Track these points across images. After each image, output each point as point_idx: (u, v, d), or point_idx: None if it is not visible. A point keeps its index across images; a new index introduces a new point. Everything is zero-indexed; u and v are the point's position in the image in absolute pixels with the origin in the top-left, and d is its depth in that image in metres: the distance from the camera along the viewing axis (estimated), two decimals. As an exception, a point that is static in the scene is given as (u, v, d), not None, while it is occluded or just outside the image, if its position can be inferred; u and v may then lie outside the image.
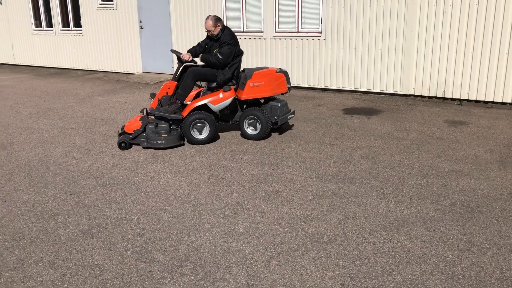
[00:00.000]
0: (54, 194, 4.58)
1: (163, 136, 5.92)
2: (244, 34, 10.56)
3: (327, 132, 6.65)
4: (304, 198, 4.38)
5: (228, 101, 6.12)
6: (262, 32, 10.29)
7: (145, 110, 6.47)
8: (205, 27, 6.17)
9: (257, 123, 6.24)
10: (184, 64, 6.29)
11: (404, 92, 8.78)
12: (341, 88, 9.52)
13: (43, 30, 14.81)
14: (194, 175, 5.03)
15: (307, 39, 9.69)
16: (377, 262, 3.26)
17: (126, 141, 5.96)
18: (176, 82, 6.22)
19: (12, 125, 7.45)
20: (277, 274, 3.15)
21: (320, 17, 9.43)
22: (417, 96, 8.72)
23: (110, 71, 13.29)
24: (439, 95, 8.44)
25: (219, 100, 6.09)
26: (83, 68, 13.87)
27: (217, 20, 6.21)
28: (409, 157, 5.47)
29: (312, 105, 8.52)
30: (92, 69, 13.69)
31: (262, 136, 6.26)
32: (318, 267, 3.22)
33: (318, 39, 9.54)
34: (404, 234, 3.65)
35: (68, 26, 14.21)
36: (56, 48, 14.54)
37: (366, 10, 8.81)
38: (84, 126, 7.23)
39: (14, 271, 3.24)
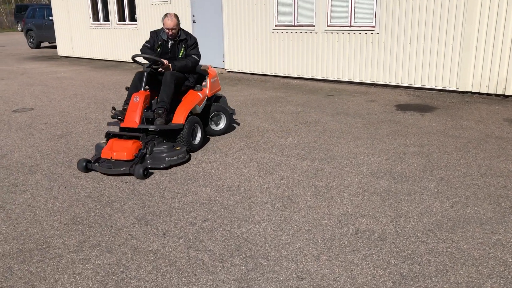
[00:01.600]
0: (110, 182, 4.77)
1: (176, 150, 5.11)
2: (296, 28, 10.51)
3: (379, 128, 6.52)
4: (355, 194, 4.32)
5: (205, 100, 5.99)
6: (314, 26, 10.20)
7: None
8: (167, 26, 5.54)
9: (221, 118, 6.37)
10: (147, 70, 5.55)
11: (460, 89, 8.45)
12: (394, 83, 9.30)
13: (100, 24, 15.37)
14: (244, 167, 5.08)
15: (360, 33, 9.52)
16: (430, 262, 3.17)
17: (147, 168, 4.88)
18: (147, 92, 5.45)
19: (71, 115, 7.80)
20: (327, 269, 3.13)
21: (374, 10, 9.23)
22: (474, 93, 8.37)
23: (163, 64, 13.60)
24: (499, 92, 8.06)
25: (201, 100, 5.88)
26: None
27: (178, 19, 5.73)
28: (466, 156, 5.27)
29: (364, 101, 8.37)
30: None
31: (227, 129, 6.45)
32: (369, 264, 3.18)
33: (372, 33, 9.35)
34: (459, 234, 3.53)
35: (124, 20, 14.67)
36: (112, 42, 15.06)
37: (423, 3, 8.53)
38: (138, 117, 7.46)
39: (74, 253, 3.40)
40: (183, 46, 5.73)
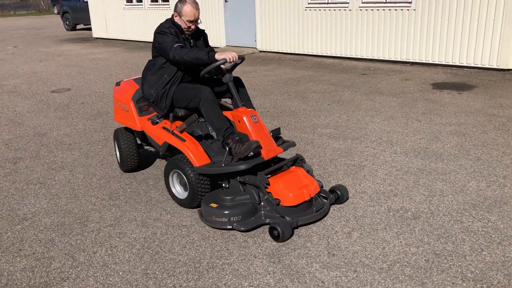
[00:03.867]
0: (146, 159, 4.87)
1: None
2: (329, 5, 10.32)
3: (414, 107, 6.38)
4: (388, 173, 4.27)
5: None
6: (348, 3, 9.98)
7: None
8: (189, 17, 3.75)
9: None
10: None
11: (501, 67, 8.14)
12: (431, 61, 9.04)
13: (134, 5, 15.52)
14: (276, 146, 5.09)
15: (396, 9, 9.26)
16: (465, 241, 3.12)
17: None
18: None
19: (106, 95, 7.97)
20: (358, 246, 3.13)
21: (411, -14, 8.95)
22: (516, 70, 8.05)
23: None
24: (543, 69, 7.73)
25: None
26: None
27: None
28: (504, 135, 5.11)
29: (399, 79, 8.19)
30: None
31: None
32: (401, 242, 3.16)
33: (408, 9, 9.08)
34: (495, 214, 3.45)
35: (157, 1, 14.75)
36: (145, 22, 15.20)
37: (462, -22, 8.20)
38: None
39: (111, 227, 3.52)
40: (203, 41, 4.08)
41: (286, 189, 3.42)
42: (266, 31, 11.70)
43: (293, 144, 3.82)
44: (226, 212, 3.35)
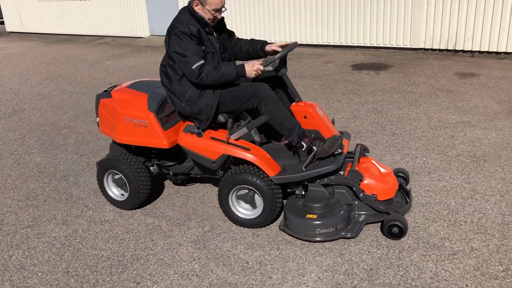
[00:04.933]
0: (65, 156, 4.69)
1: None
2: (251, -8, 10.36)
3: (335, 88, 6.61)
4: (309, 153, 4.41)
5: None
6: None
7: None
8: (219, 5, 3.11)
9: None
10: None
11: (414, 46, 8.60)
12: (350, 44, 9.36)
13: (49, -4, 14.70)
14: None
15: (315, -6, 9.47)
16: (380, 212, 3.30)
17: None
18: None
19: (22, 92, 7.54)
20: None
21: (327, -29, 9.18)
22: (427, 49, 8.54)
23: (118, 35, 13.22)
24: (450, 47, 8.25)
25: None
26: (91, 34, 13.82)
27: None
28: (417, 110, 5.43)
29: (321, 62, 8.42)
30: (100, 34, 13.63)
31: None
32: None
33: (326, -6, 9.32)
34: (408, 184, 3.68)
35: (74, -9, 14.08)
36: (63, 15, 14.47)
37: (375, -38, 8.53)
38: (93, 90, 7.29)
39: (29, 228, 3.37)
40: (226, 33, 3.42)
41: (379, 181, 3.14)
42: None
43: (349, 135, 3.45)
44: (332, 221, 2.96)
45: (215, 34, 3.21)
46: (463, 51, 8.21)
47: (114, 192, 3.56)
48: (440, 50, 8.43)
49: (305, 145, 3.09)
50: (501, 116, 5.04)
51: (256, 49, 3.36)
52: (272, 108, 3.06)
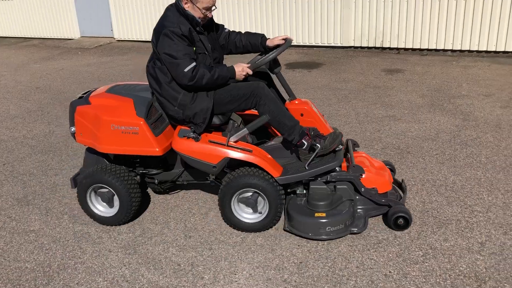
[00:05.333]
0: (-14, 165, 4.43)
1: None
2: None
3: (269, 87, 6.69)
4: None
5: None
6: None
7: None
8: (210, 3, 2.98)
9: None
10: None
11: (344, 44, 8.88)
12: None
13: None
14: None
15: (247, -6, 9.54)
16: (310, 206, 3.39)
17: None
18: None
19: None
20: (215, 225, 3.23)
21: (259, -29, 9.27)
22: (357, 47, 8.85)
23: (46, 37, 12.63)
24: (378, 45, 8.60)
25: None
26: (17, 36, 13.12)
27: None
28: (346, 106, 5.62)
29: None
30: (27, 36, 12.97)
31: None
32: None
33: (258, -6, 9.41)
34: (337, 178, 3.80)
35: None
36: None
37: (304, -38, 8.72)
38: (19, 95, 6.93)
39: None
40: (215, 30, 3.30)
41: (377, 175, 3.16)
42: (122, 19, 11.25)
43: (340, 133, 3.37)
44: (342, 217, 2.95)
45: (205, 33, 3.09)
46: (389, 49, 8.59)
47: (100, 208, 3.27)
48: (368, 48, 8.77)
49: (306, 143, 3.07)
50: (423, 109, 5.33)
51: (256, 44, 3.25)
52: (272, 107, 2.99)
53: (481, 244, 2.84)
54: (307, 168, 3.02)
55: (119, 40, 11.58)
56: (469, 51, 7.90)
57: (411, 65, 7.47)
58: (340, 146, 3.12)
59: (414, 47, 8.31)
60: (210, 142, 3.01)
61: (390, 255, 2.79)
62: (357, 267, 2.71)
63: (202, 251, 2.95)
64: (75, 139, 3.29)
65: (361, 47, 8.82)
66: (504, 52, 7.65)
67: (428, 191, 3.51)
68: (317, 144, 3.04)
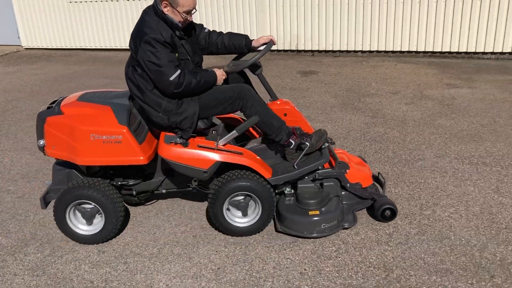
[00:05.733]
0: None
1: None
2: (95, -4, 9.91)
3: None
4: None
5: None
6: (114, -7, 9.73)
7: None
8: (191, 6, 2.88)
9: None
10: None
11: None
12: (201, 47, 9.48)
13: None
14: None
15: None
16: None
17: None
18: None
19: None
20: (130, 237, 3.13)
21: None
22: (273, 50, 9.03)
23: None
24: (293, 48, 8.84)
25: None
26: None
27: None
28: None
29: (173, 67, 8.39)
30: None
31: None
32: (171, 223, 3.27)
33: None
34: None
35: None
36: None
37: (217, -33, 8.75)
38: None
39: None
40: (194, 33, 3.21)
41: (359, 170, 3.24)
42: (30, 26, 10.62)
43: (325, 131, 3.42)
44: (335, 214, 2.98)
45: (185, 38, 2.98)
46: (304, 51, 8.86)
47: (81, 227, 3.03)
48: (284, 50, 8.98)
49: (293, 143, 3.07)
50: (336, 109, 5.54)
51: (240, 45, 3.19)
52: (259, 108, 2.97)
53: (389, 235, 3.00)
54: (296, 167, 3.03)
55: (27, 48, 10.95)
56: (377, 51, 8.35)
57: (325, 67, 7.75)
58: (326, 144, 3.18)
59: (327, 49, 8.63)
60: (200, 146, 2.93)
61: (305, 253, 2.86)
62: (273, 268, 2.74)
63: (116, 265, 2.84)
64: (44, 152, 2.99)
65: (278, 50, 9.01)
66: (408, 51, 8.17)
67: (340, 187, 3.64)
68: (306, 143, 3.06)
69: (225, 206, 2.99)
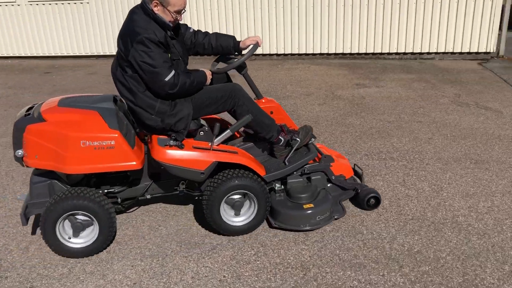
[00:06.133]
0: None
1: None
2: (-7, 1, 9.22)
3: (99, 100, 6.35)
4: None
5: None
6: (15, -2, 9.12)
7: None
8: (181, 6, 2.83)
9: None
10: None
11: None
12: (114, 53, 9.16)
13: None
14: None
15: (69, 3, 8.96)
16: (144, 222, 3.28)
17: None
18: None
19: None
20: (37, 259, 2.91)
21: (79, -22, 8.79)
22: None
23: None
24: (209, 52, 8.81)
25: None
26: None
27: None
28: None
29: (84, 74, 8.02)
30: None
31: None
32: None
33: (81, 3, 8.91)
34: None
35: None
36: None
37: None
38: None
39: None
40: (182, 33, 3.15)
41: (341, 163, 3.45)
42: None
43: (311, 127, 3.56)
44: (327, 206, 3.09)
45: (176, 38, 2.94)
46: (221, 55, 8.85)
47: (73, 240, 2.86)
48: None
49: (283, 139, 3.16)
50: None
51: (227, 47, 3.17)
52: (250, 107, 3.02)
53: (306, 234, 3.05)
54: (287, 163, 3.13)
55: None
56: (292, 54, 8.57)
57: (241, 70, 7.79)
58: (313, 139, 3.30)
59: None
60: (195, 148, 2.92)
61: (225, 259, 2.83)
62: (192, 278, 2.68)
63: (21, 291, 2.63)
64: (22, 164, 2.79)
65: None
66: (320, 54, 8.47)
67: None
68: (297, 139, 3.16)
69: (222, 205, 2.97)
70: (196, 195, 3.11)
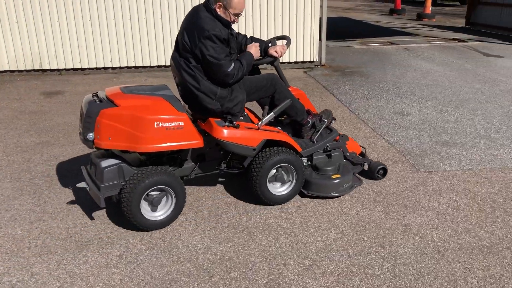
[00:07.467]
0: None
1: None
2: None
3: None
4: None
5: None
6: None
7: None
8: (241, 9, 3.26)
9: None
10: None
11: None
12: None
13: None
14: None
15: None
16: None
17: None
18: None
19: None
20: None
21: None
22: (13, 71, 8.16)
23: None
24: (37, 67, 8.14)
25: None
26: None
27: None
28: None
29: None
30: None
31: None
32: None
33: None
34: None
35: None
36: None
37: None
38: None
39: None
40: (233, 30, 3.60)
41: (352, 141, 4.06)
42: None
43: (331, 111, 4.22)
44: (349, 176, 3.68)
45: (233, 36, 3.42)
46: (50, 70, 8.26)
47: (153, 214, 3.23)
48: (27, 70, 8.21)
49: (310, 121, 3.73)
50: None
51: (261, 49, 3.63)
52: (287, 93, 3.56)
53: (119, 257, 2.95)
54: (315, 141, 3.72)
55: None
56: (128, 67, 8.35)
57: (72, 86, 7.38)
58: (333, 121, 3.93)
59: (75, 67, 8.24)
60: (247, 128, 3.37)
61: (25, 297, 2.59)
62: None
63: None
64: (91, 146, 3.11)
65: (19, 71, 8.19)
66: (158, 66, 8.41)
67: (73, 215, 3.45)
68: (325, 120, 3.79)
69: (268, 178, 3.44)
70: (235, 172, 3.62)
